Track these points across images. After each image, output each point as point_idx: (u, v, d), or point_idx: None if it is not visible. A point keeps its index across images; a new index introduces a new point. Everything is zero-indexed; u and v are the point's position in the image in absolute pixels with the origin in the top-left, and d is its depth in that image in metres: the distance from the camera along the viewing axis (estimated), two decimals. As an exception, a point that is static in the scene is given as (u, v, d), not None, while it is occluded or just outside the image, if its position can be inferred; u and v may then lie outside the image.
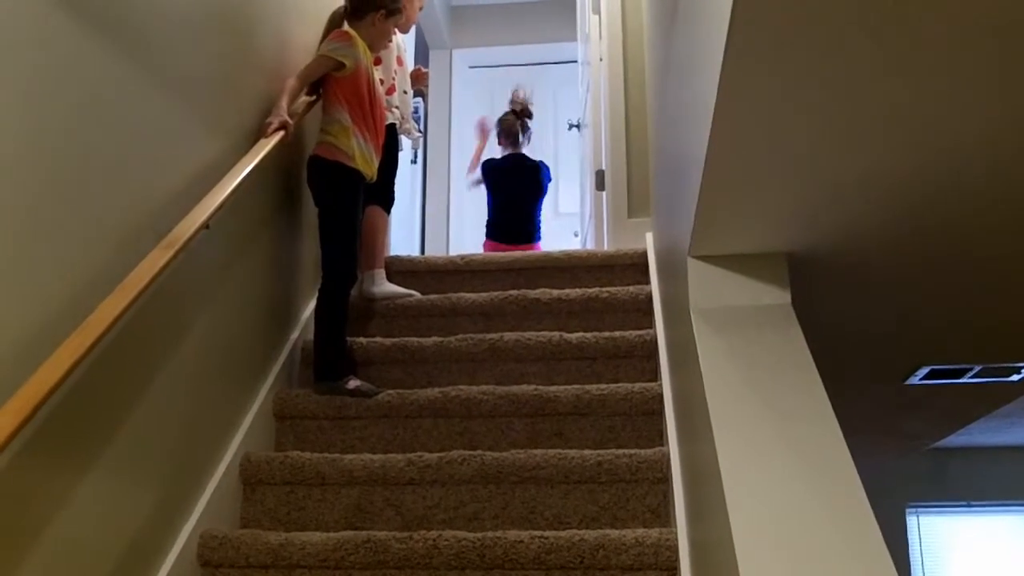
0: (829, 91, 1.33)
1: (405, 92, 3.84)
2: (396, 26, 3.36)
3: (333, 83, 3.14)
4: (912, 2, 1.13)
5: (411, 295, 3.55)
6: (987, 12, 1.15)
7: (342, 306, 3.08)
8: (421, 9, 3.39)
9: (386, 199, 3.74)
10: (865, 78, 1.30)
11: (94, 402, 1.97)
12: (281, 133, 2.87)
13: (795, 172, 1.60)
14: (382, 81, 3.60)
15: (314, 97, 3.22)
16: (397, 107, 3.74)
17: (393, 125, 3.67)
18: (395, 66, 3.77)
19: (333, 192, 3.12)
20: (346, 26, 3.26)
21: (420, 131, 4.02)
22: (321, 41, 3.29)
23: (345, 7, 3.31)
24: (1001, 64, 1.27)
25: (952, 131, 1.47)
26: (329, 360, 3.03)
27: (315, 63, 3.13)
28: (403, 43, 3.94)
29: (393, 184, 3.79)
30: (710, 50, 1.40)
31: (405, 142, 4.05)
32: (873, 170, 1.60)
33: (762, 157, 1.55)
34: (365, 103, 3.16)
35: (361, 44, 3.16)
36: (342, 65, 3.09)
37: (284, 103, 2.96)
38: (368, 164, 3.16)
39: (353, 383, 2.97)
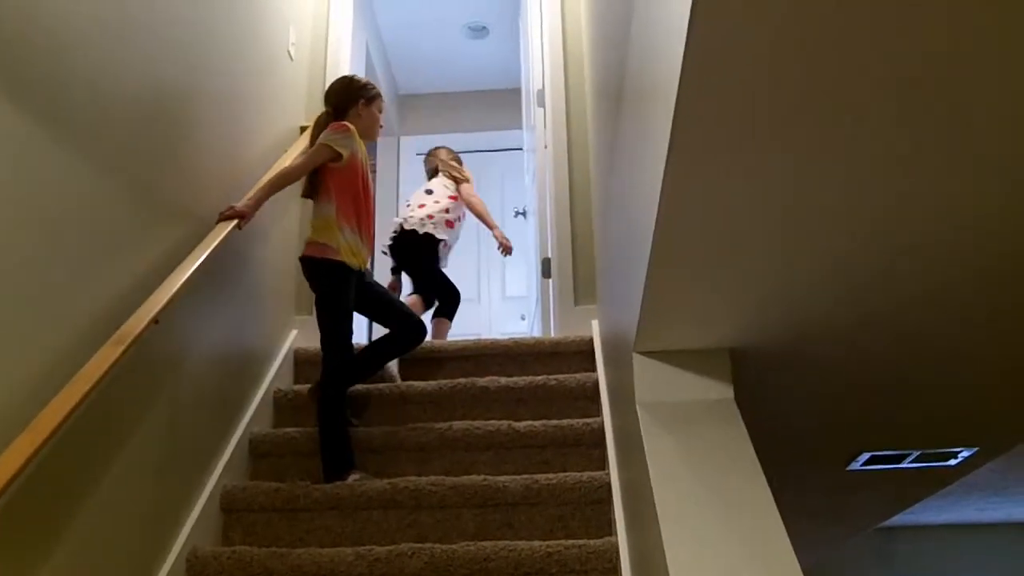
0: (771, 193, 1.40)
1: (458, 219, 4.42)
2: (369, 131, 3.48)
3: (326, 174, 3.23)
4: (856, 92, 1.21)
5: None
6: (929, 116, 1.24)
7: (333, 401, 3.12)
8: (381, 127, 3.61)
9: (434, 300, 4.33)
10: (806, 175, 1.37)
11: (40, 501, 1.95)
12: (233, 223, 2.94)
13: (734, 276, 1.66)
14: (446, 210, 4.27)
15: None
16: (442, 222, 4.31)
17: (429, 236, 4.25)
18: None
19: (322, 286, 3.21)
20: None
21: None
22: (311, 141, 3.38)
23: (329, 112, 3.44)
24: (942, 160, 1.35)
25: (887, 229, 1.54)
26: (328, 458, 3.05)
27: (315, 152, 3.21)
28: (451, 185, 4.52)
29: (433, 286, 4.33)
30: (653, 153, 1.46)
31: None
32: (807, 275, 1.67)
33: (706, 260, 1.61)
34: (358, 195, 3.28)
35: (357, 137, 3.28)
36: (339, 156, 3.18)
37: (255, 195, 3.08)
38: (355, 255, 3.25)
39: (353, 477, 2.99)
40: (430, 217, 4.32)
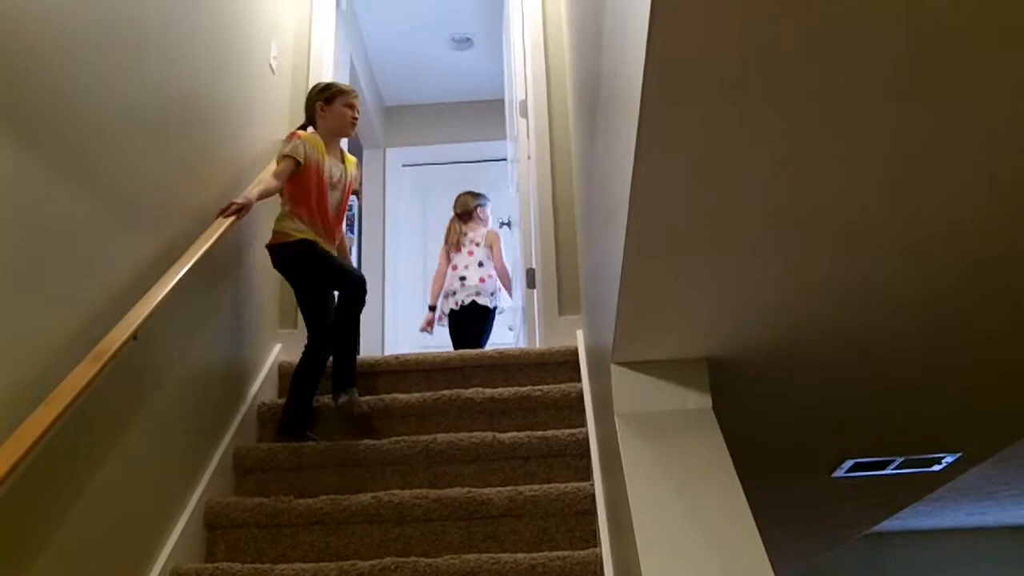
0: (738, 203, 1.40)
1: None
2: (343, 117, 3.59)
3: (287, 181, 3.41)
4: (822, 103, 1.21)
5: None
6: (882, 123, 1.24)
7: (309, 367, 3.36)
8: (355, 120, 3.62)
9: None
10: (778, 186, 1.37)
11: (16, 520, 1.93)
12: (232, 218, 3.08)
13: (709, 284, 1.66)
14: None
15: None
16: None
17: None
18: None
19: (287, 268, 3.45)
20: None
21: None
22: None
23: (304, 125, 3.64)
24: (900, 166, 1.35)
25: (866, 238, 1.54)
26: (289, 417, 3.31)
27: (285, 164, 3.36)
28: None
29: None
30: (623, 160, 1.46)
31: None
32: (784, 281, 1.67)
33: (677, 269, 1.61)
34: (312, 194, 3.42)
35: (309, 141, 3.43)
36: (299, 163, 3.35)
37: (256, 191, 3.23)
38: (309, 235, 3.40)
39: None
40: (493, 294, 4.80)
